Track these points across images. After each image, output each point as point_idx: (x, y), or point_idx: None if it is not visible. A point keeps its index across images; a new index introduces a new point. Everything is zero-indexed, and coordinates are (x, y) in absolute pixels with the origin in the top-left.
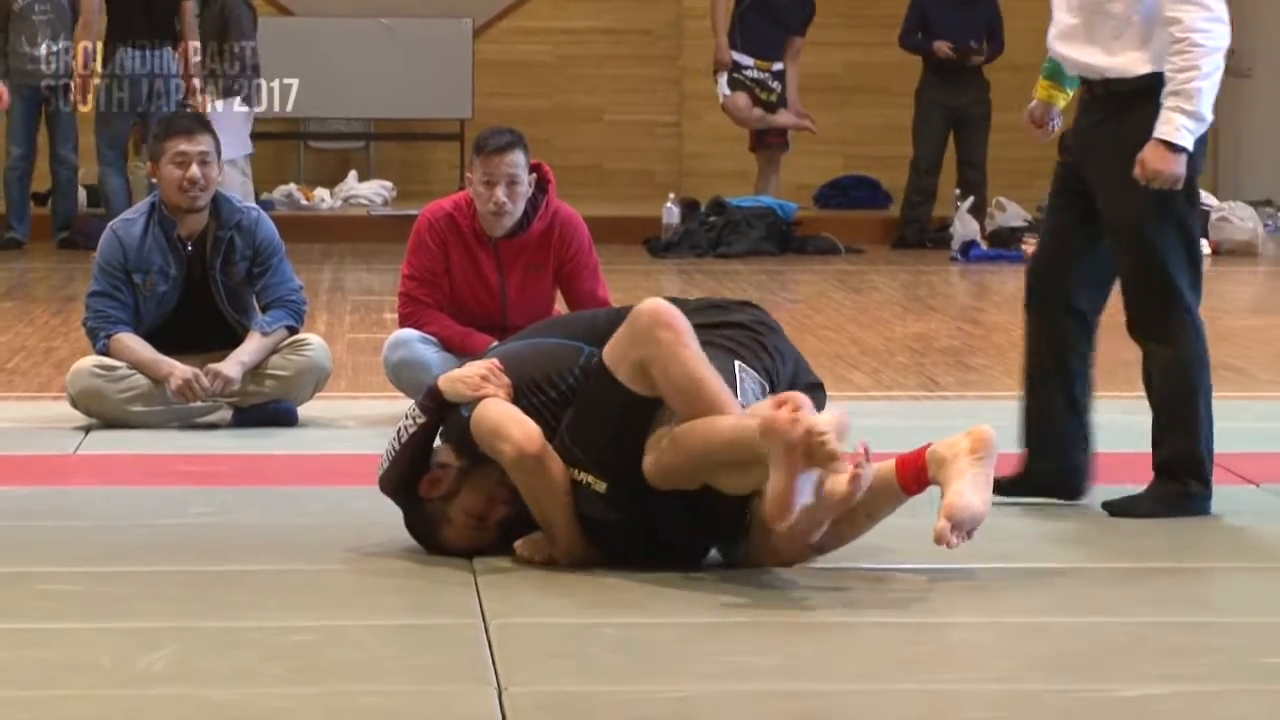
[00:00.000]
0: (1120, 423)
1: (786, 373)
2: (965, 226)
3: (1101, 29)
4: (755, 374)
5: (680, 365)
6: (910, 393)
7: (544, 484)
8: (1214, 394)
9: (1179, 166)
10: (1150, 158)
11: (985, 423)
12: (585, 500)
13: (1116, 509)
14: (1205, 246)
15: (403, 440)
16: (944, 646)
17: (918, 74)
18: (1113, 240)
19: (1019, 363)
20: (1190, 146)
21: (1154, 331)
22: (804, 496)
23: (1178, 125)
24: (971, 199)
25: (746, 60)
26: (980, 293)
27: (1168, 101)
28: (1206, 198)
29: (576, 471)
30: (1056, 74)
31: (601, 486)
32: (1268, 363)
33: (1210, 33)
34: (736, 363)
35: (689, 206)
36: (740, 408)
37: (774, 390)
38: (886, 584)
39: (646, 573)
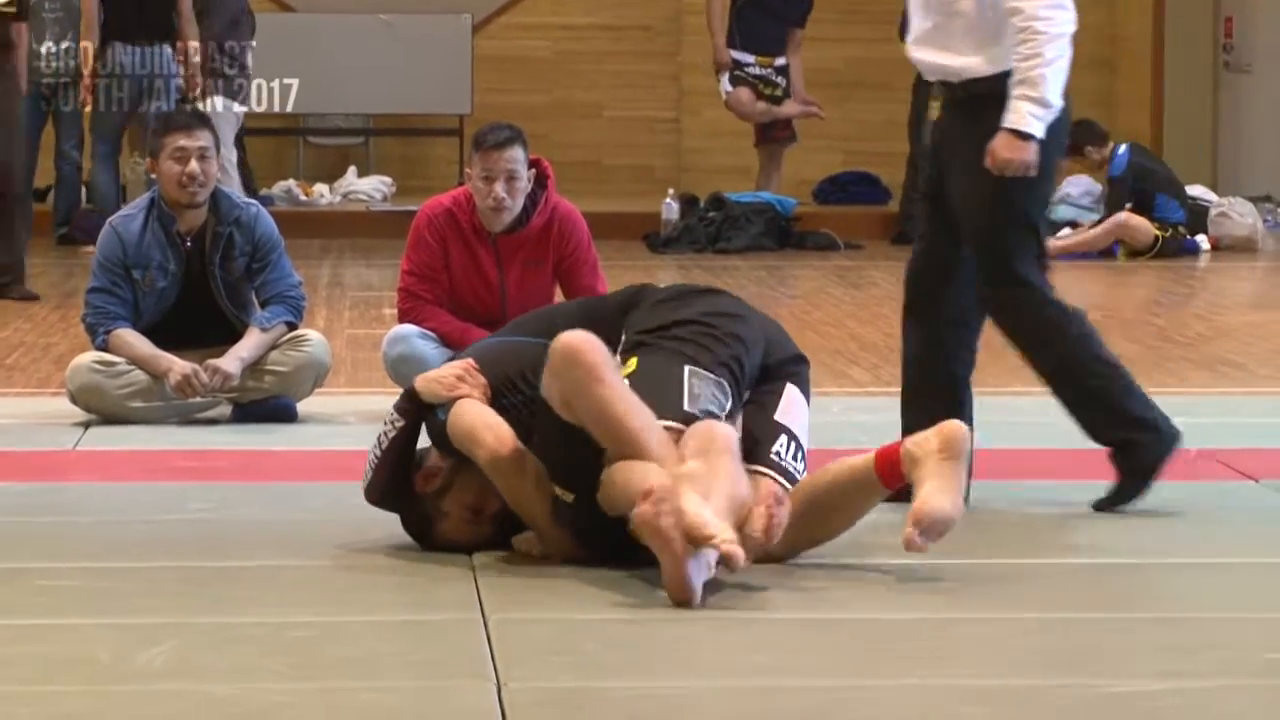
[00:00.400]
0: None
1: (754, 357)
2: None
3: (952, 30)
4: (710, 373)
5: (594, 403)
6: None
7: (520, 485)
8: (1213, 390)
9: (1029, 154)
10: (999, 147)
11: (984, 417)
12: (559, 510)
13: (1104, 505)
14: (1205, 242)
15: (383, 447)
16: (943, 642)
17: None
18: (966, 242)
19: (1016, 358)
20: (1039, 134)
21: (1024, 339)
22: (699, 577)
23: (1025, 113)
24: None
25: (748, 58)
26: None
27: (1015, 90)
28: (1205, 193)
29: (550, 483)
30: None
31: (569, 498)
32: (1267, 358)
33: (1052, 20)
34: (686, 367)
35: (688, 202)
36: (661, 443)
37: (739, 380)
38: (884, 580)
39: (645, 569)
